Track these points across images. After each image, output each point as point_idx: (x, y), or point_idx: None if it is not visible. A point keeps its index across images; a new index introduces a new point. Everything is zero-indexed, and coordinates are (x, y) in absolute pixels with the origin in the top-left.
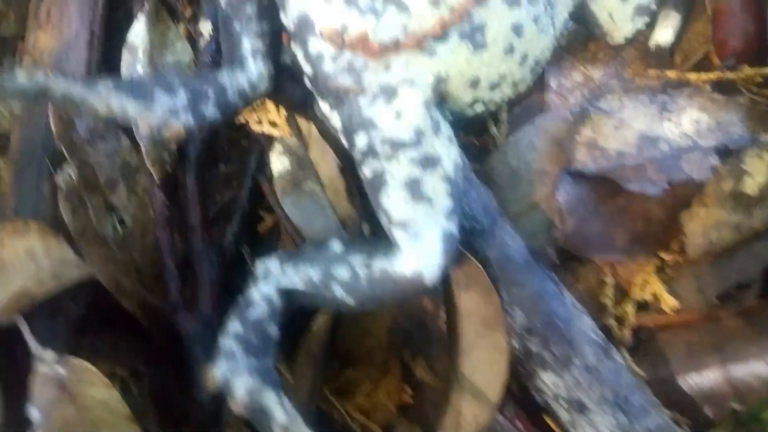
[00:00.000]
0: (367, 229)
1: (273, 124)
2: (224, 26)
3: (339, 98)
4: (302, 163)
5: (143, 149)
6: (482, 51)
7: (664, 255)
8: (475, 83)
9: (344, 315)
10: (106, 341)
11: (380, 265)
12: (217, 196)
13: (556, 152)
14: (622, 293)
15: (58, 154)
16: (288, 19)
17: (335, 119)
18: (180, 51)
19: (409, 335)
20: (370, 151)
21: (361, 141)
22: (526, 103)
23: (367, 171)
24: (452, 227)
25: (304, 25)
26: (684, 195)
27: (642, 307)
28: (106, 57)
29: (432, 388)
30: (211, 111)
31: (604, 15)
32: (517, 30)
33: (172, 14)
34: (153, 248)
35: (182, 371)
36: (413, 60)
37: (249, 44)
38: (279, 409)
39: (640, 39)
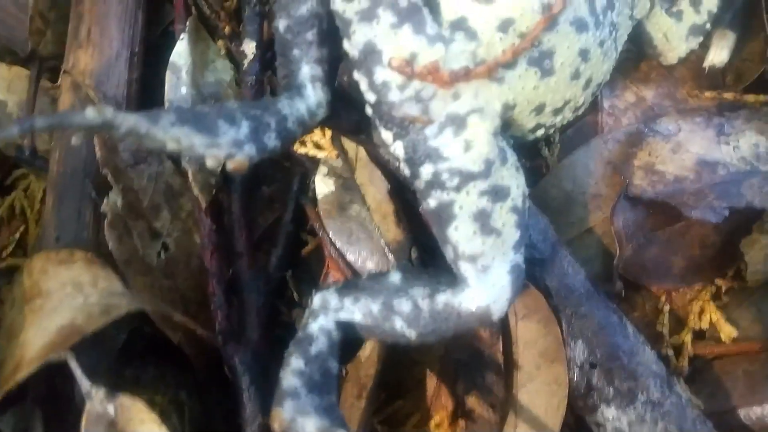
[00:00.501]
0: (416, 254)
1: (318, 146)
2: (282, 52)
3: (404, 127)
4: (348, 186)
5: (190, 175)
6: (550, 77)
7: (720, 282)
8: (540, 109)
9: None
10: (149, 371)
11: (444, 298)
12: (260, 219)
13: (613, 176)
14: (679, 321)
15: (99, 178)
16: (352, 47)
17: (398, 149)
18: (220, 69)
19: (462, 365)
20: (437, 183)
21: (426, 172)
22: (579, 124)
23: (432, 202)
24: (520, 259)
25: (371, 54)
26: (743, 221)
27: (699, 335)
28: (145, 75)
29: (485, 420)
30: (272, 140)
31: (659, 35)
32: (584, 55)
33: (211, 32)
34: (197, 273)
35: (225, 401)
36: (482, 88)
37: (308, 71)
38: None
39: (692, 58)
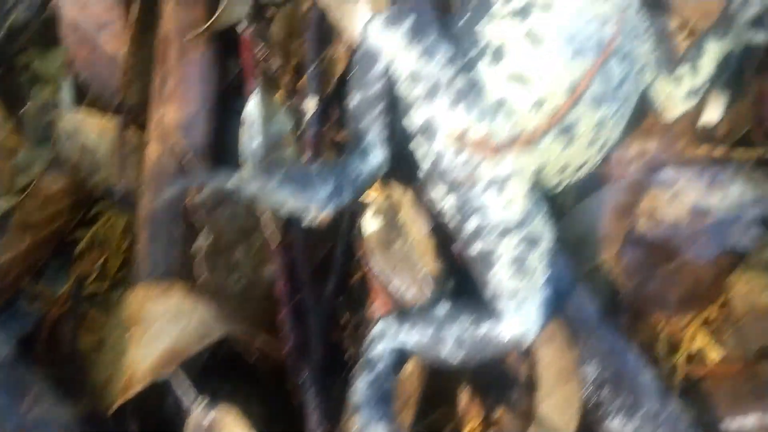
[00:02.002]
0: (451, 285)
1: None
2: (354, 118)
3: (453, 186)
4: (393, 224)
5: (262, 219)
6: (573, 144)
7: (711, 311)
8: (563, 169)
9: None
10: (225, 387)
11: (485, 329)
12: (317, 252)
13: (619, 220)
14: (674, 345)
15: (184, 218)
16: (412, 122)
17: (448, 203)
18: (282, 121)
19: (491, 382)
20: (480, 234)
21: (471, 225)
22: (590, 174)
23: (474, 251)
24: (549, 293)
25: (429, 128)
26: (730, 260)
27: (691, 357)
28: (220, 129)
29: (511, 430)
30: (349, 195)
31: (661, 98)
32: (601, 124)
33: (272, 84)
34: (267, 300)
35: (290, 413)
36: (520, 155)
37: (376, 135)
38: None
39: (689, 113)
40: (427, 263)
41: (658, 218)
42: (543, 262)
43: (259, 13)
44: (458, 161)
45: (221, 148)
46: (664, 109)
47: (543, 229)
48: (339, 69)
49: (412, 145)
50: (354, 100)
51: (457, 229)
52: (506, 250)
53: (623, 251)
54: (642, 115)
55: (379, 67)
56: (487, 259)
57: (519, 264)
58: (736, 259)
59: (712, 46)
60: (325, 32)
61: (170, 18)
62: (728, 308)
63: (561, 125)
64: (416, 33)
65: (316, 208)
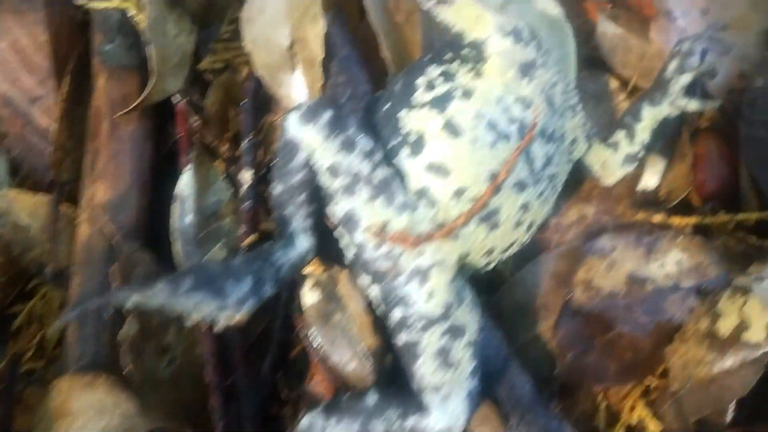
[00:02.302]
0: (389, 359)
1: None
2: (277, 209)
3: (377, 277)
4: (331, 297)
5: None
6: (497, 229)
7: (649, 382)
8: (489, 252)
9: None
10: None
11: (412, 422)
12: (254, 327)
13: (557, 289)
14: (613, 417)
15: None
16: (335, 213)
17: (373, 292)
18: (220, 190)
19: None
20: (404, 325)
21: (396, 315)
22: (530, 241)
23: (399, 341)
24: (476, 383)
25: (350, 220)
26: (668, 331)
27: (630, 429)
28: (153, 203)
29: None
30: (269, 290)
31: (597, 166)
32: (525, 207)
33: (211, 152)
34: (199, 383)
35: None
36: (442, 246)
37: (300, 224)
38: None
39: (628, 177)
40: (366, 337)
41: (595, 288)
42: (468, 353)
43: (196, 81)
44: (380, 253)
45: (155, 224)
46: (601, 176)
47: (467, 319)
48: (277, 137)
49: (336, 234)
50: (276, 189)
51: (384, 317)
52: (430, 342)
53: (560, 322)
54: (580, 180)
55: (299, 159)
56: (412, 350)
57: (443, 356)
58: (673, 330)
59: (648, 112)
60: (262, 101)
61: (102, 92)
62: (666, 379)
63: (483, 213)
64: (335, 126)
65: (228, 314)
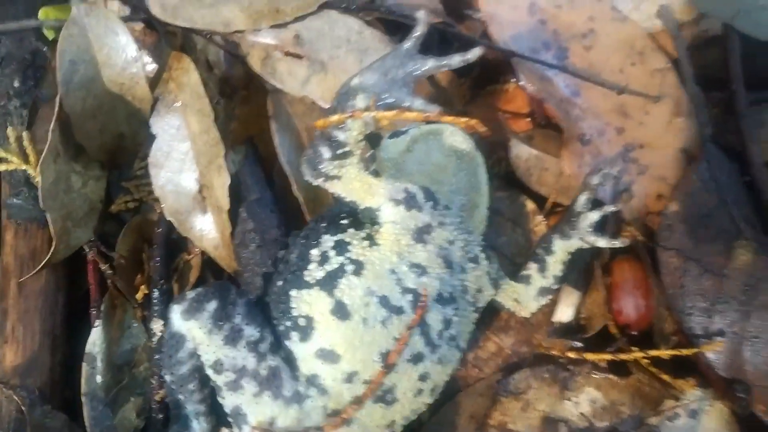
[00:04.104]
0: None
1: None
2: (169, 393)
3: None
4: None
5: None
6: (395, 404)
7: None
8: (390, 425)
9: None
10: None
11: None
12: None
13: (473, 430)
14: None
15: None
16: (224, 406)
17: None
18: (135, 334)
19: None
20: None
21: None
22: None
23: None
24: None
25: (238, 414)
26: None
27: None
28: (67, 356)
29: None
30: None
31: (510, 302)
32: (424, 377)
33: (125, 297)
34: None
35: None
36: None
37: (193, 409)
38: None
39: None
40: None
41: (510, 431)
42: None
43: (110, 220)
44: None
45: (69, 380)
46: (516, 310)
47: None
48: (194, 275)
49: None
50: (167, 377)
51: None
52: None
53: None
54: (497, 310)
55: (186, 349)
56: None
57: None
58: None
59: (559, 245)
60: (176, 240)
61: (10, 249)
62: None
63: (378, 393)
64: (219, 319)
65: None
